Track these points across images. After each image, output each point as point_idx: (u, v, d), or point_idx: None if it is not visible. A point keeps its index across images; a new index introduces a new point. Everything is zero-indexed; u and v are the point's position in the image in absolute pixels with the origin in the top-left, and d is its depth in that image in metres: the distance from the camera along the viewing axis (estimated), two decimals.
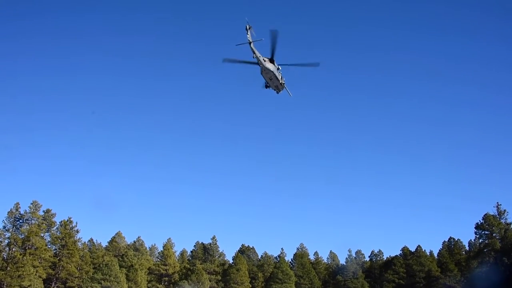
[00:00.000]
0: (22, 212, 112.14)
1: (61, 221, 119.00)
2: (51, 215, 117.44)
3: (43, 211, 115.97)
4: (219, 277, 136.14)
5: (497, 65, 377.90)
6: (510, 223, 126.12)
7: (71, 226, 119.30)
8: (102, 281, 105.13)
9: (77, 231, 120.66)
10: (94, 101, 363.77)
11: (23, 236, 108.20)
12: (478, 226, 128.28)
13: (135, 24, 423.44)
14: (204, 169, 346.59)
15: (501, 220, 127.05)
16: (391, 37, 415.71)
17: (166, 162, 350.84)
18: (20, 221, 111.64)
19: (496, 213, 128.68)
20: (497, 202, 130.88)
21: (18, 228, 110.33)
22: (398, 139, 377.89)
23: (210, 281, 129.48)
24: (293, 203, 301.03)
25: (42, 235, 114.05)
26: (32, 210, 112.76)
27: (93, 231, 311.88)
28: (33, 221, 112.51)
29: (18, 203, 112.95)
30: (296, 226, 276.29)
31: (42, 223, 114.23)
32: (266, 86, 52.69)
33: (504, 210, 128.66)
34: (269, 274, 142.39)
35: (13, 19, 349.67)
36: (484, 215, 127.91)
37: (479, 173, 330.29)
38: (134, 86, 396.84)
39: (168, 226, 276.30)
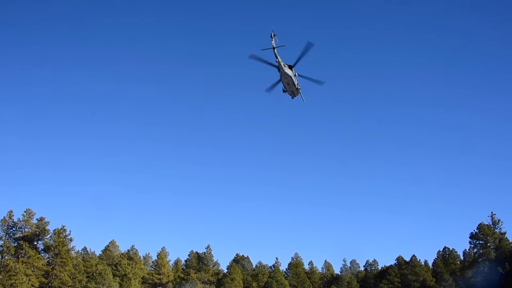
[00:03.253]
0: (15, 220, 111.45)
1: (55, 229, 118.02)
2: (45, 223, 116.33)
3: (37, 219, 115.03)
4: (213, 287, 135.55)
5: (496, 67, 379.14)
6: (505, 233, 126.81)
7: (64, 234, 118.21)
8: None
9: (71, 240, 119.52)
10: (94, 103, 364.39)
11: (16, 244, 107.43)
12: (472, 236, 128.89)
13: (138, 26, 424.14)
14: (198, 178, 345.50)
15: (496, 230, 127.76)
16: (393, 39, 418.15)
17: (161, 170, 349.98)
18: (14, 229, 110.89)
19: (491, 223, 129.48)
20: (492, 212, 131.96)
21: (11, 236, 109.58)
22: (392, 147, 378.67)
23: None
24: (288, 212, 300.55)
25: (35, 243, 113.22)
26: (25, 218, 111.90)
27: (87, 239, 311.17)
28: (26, 229, 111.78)
29: (11, 211, 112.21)
30: (291, 235, 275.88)
31: (36, 231, 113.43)
32: (284, 91, 56.51)
33: (499, 220, 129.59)
34: (263, 283, 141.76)
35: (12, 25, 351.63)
36: (478, 225, 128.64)
37: (473, 182, 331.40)
38: (132, 92, 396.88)
39: (163, 235, 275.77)
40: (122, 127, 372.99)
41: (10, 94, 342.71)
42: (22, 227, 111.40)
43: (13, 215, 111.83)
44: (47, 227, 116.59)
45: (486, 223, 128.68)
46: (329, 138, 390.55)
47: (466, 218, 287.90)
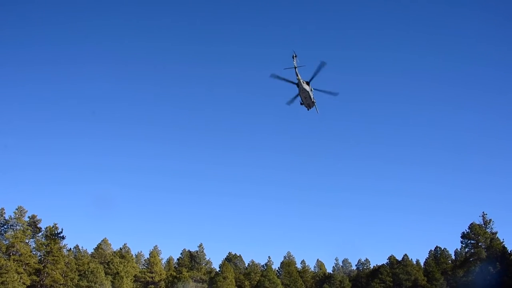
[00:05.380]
0: (7, 217, 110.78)
1: (47, 227, 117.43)
2: (37, 221, 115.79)
3: (29, 216, 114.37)
4: (205, 285, 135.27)
5: (497, 67, 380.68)
6: (496, 233, 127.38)
7: (56, 232, 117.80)
8: None
9: (63, 238, 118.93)
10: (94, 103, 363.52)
11: (7, 242, 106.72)
12: (464, 236, 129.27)
13: (138, 26, 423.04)
14: (191, 177, 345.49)
15: (487, 230, 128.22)
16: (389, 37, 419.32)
17: (154, 169, 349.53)
18: (5, 226, 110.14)
19: (482, 223, 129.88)
20: (483, 212, 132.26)
21: (3, 234, 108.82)
22: (384, 146, 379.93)
23: None
24: (280, 211, 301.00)
25: (27, 241, 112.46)
26: (17, 215, 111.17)
27: (79, 237, 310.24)
28: (18, 227, 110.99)
29: (3, 209, 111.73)
30: (284, 234, 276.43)
31: (27, 229, 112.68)
32: (301, 103, 63.16)
33: (490, 220, 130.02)
34: (256, 282, 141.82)
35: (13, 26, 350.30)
36: (470, 225, 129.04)
37: (465, 182, 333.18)
38: (131, 94, 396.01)
39: (155, 233, 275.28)
40: (119, 126, 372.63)
41: (10, 94, 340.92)
42: (14, 224, 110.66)
43: (4, 212, 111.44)
44: (39, 225, 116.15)
45: (478, 222, 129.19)
46: (323, 138, 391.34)
47: (458, 218, 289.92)
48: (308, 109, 64.31)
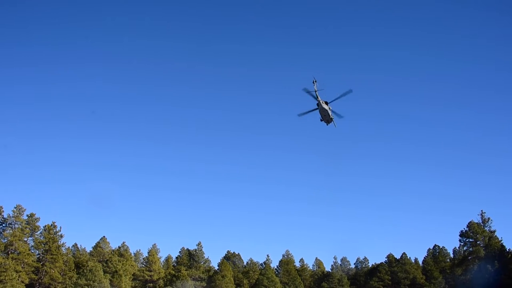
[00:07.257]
0: (5, 216, 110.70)
1: (45, 226, 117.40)
2: (35, 219, 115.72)
3: (27, 215, 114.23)
4: (204, 284, 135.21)
5: (497, 66, 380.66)
6: (494, 231, 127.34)
7: (55, 230, 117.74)
8: (86, 287, 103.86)
9: (61, 236, 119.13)
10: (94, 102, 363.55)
11: (6, 240, 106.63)
12: (462, 234, 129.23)
13: (139, 25, 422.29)
14: (190, 176, 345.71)
15: (485, 228, 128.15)
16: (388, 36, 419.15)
17: (153, 168, 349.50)
18: (3, 225, 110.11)
19: (481, 221, 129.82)
20: (481, 210, 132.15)
21: (1, 233, 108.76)
22: (383, 145, 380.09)
23: (195, 287, 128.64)
24: (279, 209, 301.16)
25: (26, 239, 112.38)
26: (15, 214, 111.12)
27: (78, 236, 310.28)
28: (16, 226, 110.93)
29: (1, 207, 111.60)
30: (282, 232, 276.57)
31: (26, 228, 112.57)
32: (321, 120, 69.76)
33: (488, 218, 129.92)
34: (254, 280, 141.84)
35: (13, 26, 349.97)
36: (468, 223, 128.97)
37: (464, 180, 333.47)
38: (131, 94, 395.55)
39: (154, 231, 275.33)
40: (119, 126, 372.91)
41: (10, 94, 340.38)
42: (12, 223, 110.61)
43: (3, 211, 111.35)
44: (37, 224, 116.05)
45: (476, 221, 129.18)
46: (320, 137, 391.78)
47: (456, 216, 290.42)
48: (327, 124, 70.88)
